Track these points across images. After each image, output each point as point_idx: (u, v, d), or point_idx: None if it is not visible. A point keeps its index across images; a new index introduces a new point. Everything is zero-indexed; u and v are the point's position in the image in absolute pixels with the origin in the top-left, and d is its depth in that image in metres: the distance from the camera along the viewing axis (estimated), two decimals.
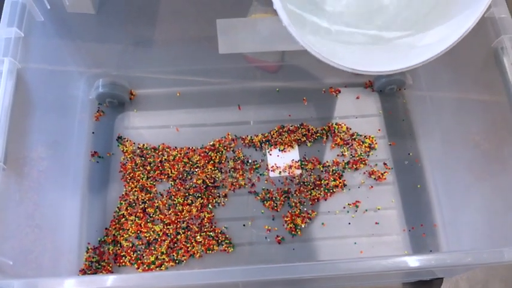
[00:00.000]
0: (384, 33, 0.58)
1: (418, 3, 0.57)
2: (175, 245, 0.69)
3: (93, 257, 0.68)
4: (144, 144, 0.76)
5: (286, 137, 0.76)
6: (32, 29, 0.58)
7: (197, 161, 0.75)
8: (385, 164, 0.75)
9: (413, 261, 0.45)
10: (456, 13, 0.51)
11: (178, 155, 0.75)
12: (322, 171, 0.74)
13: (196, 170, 0.74)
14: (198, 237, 0.70)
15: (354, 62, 0.51)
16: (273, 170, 0.75)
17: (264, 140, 0.77)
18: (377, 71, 0.52)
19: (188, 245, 0.69)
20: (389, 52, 0.55)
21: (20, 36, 0.55)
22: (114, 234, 0.70)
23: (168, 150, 0.76)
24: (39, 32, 0.61)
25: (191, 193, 0.72)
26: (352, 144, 0.76)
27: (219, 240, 0.70)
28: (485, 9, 0.48)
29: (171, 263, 0.68)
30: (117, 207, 0.72)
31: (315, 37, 0.55)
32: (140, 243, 0.69)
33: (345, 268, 0.44)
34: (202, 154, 0.75)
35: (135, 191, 0.73)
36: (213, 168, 0.74)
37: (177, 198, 0.72)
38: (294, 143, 0.76)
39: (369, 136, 0.77)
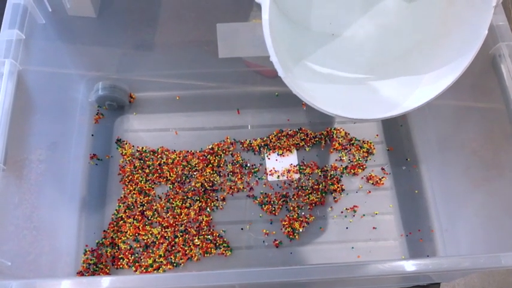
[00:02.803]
0: (377, 80, 0.59)
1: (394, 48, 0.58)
2: (173, 248, 0.69)
3: (91, 259, 0.68)
4: (143, 147, 0.76)
5: (284, 142, 0.77)
6: (33, 31, 0.59)
7: (196, 164, 0.75)
8: (383, 169, 0.75)
9: (411, 266, 0.45)
10: (444, 62, 0.52)
11: (177, 158, 0.75)
12: (320, 175, 0.75)
13: (194, 173, 0.74)
14: (196, 240, 0.70)
15: (347, 109, 0.52)
16: (271, 174, 0.75)
17: (262, 144, 0.77)
18: (373, 118, 0.53)
19: (186, 248, 0.69)
20: (386, 99, 0.56)
21: (21, 38, 0.55)
22: (112, 237, 0.70)
23: (167, 153, 0.76)
24: (40, 35, 0.61)
25: (189, 196, 0.73)
26: (350, 149, 0.77)
27: (217, 244, 0.70)
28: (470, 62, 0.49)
29: (168, 266, 0.68)
30: (116, 210, 0.72)
31: (309, 84, 0.56)
32: (138, 245, 0.70)
33: (342, 272, 0.44)
34: (201, 157, 0.75)
35: (134, 193, 0.73)
36: (211, 172, 0.74)
37: (176, 202, 0.72)
38: (292, 147, 0.77)
39: (367, 141, 0.77)
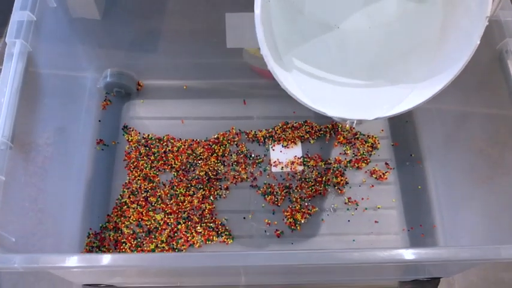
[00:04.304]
0: (374, 80, 0.59)
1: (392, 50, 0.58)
2: (176, 234, 0.70)
3: (94, 243, 0.69)
4: (149, 135, 0.77)
5: (289, 133, 0.77)
6: (44, 13, 0.59)
7: (201, 153, 0.75)
8: (386, 164, 0.76)
9: (411, 254, 0.45)
10: (439, 66, 0.52)
11: (182, 147, 0.76)
12: (324, 168, 0.75)
13: (199, 161, 0.75)
14: (199, 227, 0.70)
15: (345, 110, 0.53)
16: (275, 165, 0.75)
17: (267, 135, 0.77)
18: (366, 118, 0.54)
19: (188, 235, 0.70)
20: (381, 100, 0.57)
21: (32, 19, 0.56)
22: (115, 221, 0.71)
23: (173, 141, 0.77)
24: (51, 18, 0.62)
25: (193, 184, 0.73)
26: (355, 143, 0.77)
27: (219, 232, 0.70)
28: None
29: (170, 252, 0.69)
30: (120, 195, 0.73)
31: (305, 82, 0.56)
32: (141, 231, 0.70)
33: (343, 258, 0.45)
34: (206, 146, 0.76)
35: (138, 179, 0.73)
36: (216, 161, 0.75)
37: (179, 189, 0.73)
38: (297, 139, 0.77)
39: (372, 136, 0.78)
